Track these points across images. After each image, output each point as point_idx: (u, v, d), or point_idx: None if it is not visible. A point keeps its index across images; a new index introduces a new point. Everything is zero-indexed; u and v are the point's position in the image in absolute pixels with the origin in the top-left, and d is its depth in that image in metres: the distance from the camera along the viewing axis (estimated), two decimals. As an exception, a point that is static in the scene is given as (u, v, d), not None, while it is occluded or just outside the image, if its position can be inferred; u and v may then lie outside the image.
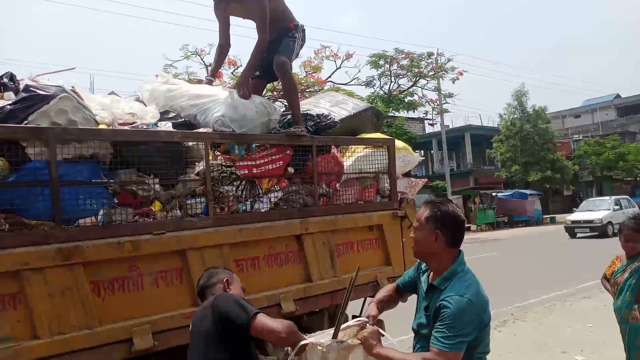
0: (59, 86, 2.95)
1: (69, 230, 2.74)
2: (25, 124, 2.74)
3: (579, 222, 21.02)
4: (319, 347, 2.21)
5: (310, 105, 4.99)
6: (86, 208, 2.83)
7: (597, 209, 21.35)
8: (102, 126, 3.15)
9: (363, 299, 4.41)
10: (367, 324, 2.37)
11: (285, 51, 4.19)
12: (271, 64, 4.14)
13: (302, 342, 2.21)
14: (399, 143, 4.82)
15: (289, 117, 4.29)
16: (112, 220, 2.90)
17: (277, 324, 2.23)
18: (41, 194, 2.69)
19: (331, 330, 2.32)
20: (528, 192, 31.25)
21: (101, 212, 2.87)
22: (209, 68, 19.95)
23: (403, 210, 4.53)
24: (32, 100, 2.79)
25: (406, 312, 2.79)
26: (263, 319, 2.24)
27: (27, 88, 2.85)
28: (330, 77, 20.87)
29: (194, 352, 2.36)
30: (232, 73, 18.93)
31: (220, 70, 7.23)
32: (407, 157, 4.90)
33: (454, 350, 2.08)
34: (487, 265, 12.55)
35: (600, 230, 20.00)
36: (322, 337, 2.29)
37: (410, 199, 4.75)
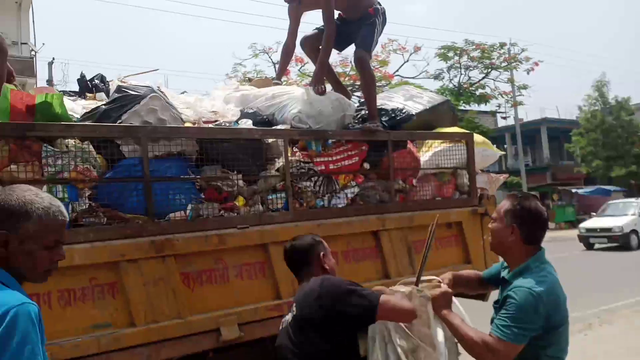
0: (148, 86, 3.10)
1: (161, 223, 2.88)
2: (119, 123, 2.90)
3: (594, 230, 17.53)
4: (401, 291, 2.32)
5: (384, 99, 4.94)
6: (175, 203, 2.96)
7: (620, 214, 17.56)
8: (187, 124, 3.28)
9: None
10: (441, 284, 2.42)
11: (364, 43, 4.17)
12: (342, 34, 4.13)
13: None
14: (477, 137, 4.67)
15: (363, 112, 4.29)
16: (199, 214, 3.02)
17: (405, 302, 2.22)
18: (135, 189, 2.84)
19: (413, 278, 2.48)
20: (611, 188, 29.35)
21: (189, 206, 2.99)
22: (276, 66, 20.42)
23: (483, 207, 4.39)
24: (124, 100, 2.95)
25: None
26: (391, 301, 2.20)
27: (119, 89, 3.02)
28: (397, 71, 20.61)
29: (297, 338, 2.26)
30: (298, 70, 19.17)
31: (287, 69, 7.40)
32: (487, 151, 4.74)
33: (512, 341, 2.04)
34: (568, 264, 11.92)
35: (621, 241, 16.52)
36: (402, 288, 2.40)
37: (491, 196, 4.59)
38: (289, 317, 2.39)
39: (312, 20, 4.43)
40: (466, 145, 4.36)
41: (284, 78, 5.48)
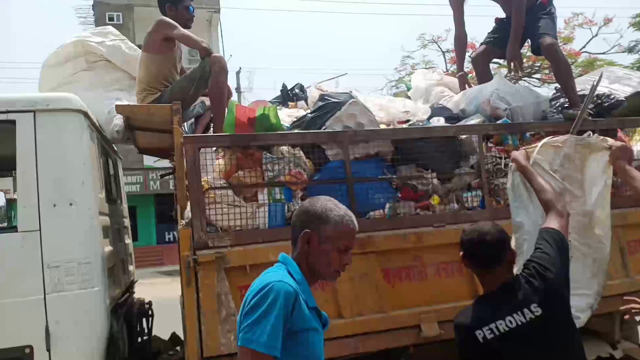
0: (346, 93, 3.29)
1: (363, 221, 3.03)
2: (323, 129, 3.13)
3: None
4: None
5: (584, 84, 4.50)
6: (375, 202, 3.10)
7: None
8: (382, 126, 3.40)
9: None
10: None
11: (548, 31, 3.89)
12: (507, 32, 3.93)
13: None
14: None
15: (561, 101, 3.97)
16: (396, 213, 3.12)
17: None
18: (339, 189, 3.04)
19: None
20: None
21: (387, 205, 3.11)
22: (446, 55, 19.95)
23: None
24: (327, 108, 3.17)
25: None
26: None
27: (322, 97, 3.26)
28: (584, 47, 18.52)
29: (551, 338, 1.94)
30: (469, 56, 18.40)
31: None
32: None
33: None
34: None
35: None
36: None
37: None
38: (516, 322, 1.95)
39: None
40: (692, 131, 3.76)
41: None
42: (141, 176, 19.20)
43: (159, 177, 17.62)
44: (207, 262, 2.73)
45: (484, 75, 4.23)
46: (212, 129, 3.73)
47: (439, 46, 20.17)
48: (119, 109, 3.20)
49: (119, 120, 3.52)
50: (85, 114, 2.87)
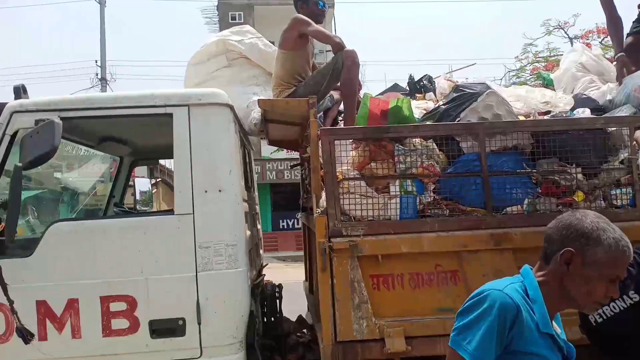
0: (483, 83, 3.19)
1: (499, 217, 2.94)
2: (457, 121, 3.06)
3: None
4: None
5: None
6: (512, 197, 2.98)
7: None
8: (520, 117, 3.25)
9: None
10: None
11: None
12: None
13: None
14: None
15: None
16: (536, 209, 2.97)
17: None
18: (474, 183, 2.97)
19: None
20: None
21: (526, 201, 2.97)
22: (573, 42, 18.38)
23: None
24: (462, 99, 3.11)
25: None
26: None
27: (456, 88, 3.19)
28: None
29: None
30: (600, 42, 16.81)
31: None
32: None
33: None
34: None
35: None
36: None
37: None
38: (618, 307, 2.05)
39: None
40: None
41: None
42: (259, 166, 20.22)
43: (289, 167, 18.44)
44: (341, 249, 2.83)
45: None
46: (341, 121, 3.83)
47: (565, 32, 18.71)
48: (261, 102, 3.40)
49: (256, 113, 3.74)
50: (232, 108, 3.09)
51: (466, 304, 1.46)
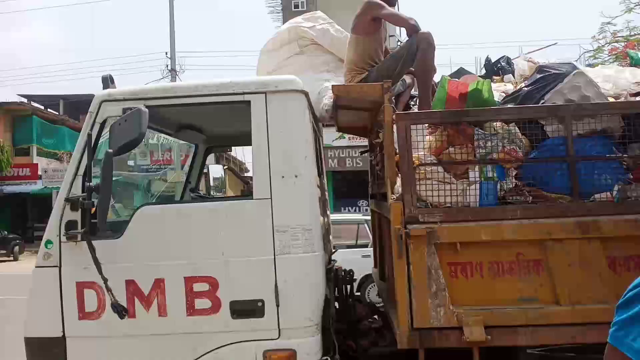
0: (569, 63, 3.03)
1: (586, 204, 2.80)
2: (542, 104, 2.93)
3: None
4: None
5: None
6: (601, 183, 2.83)
7: None
8: (610, 99, 3.06)
9: None
10: None
11: None
12: None
13: None
14: None
15: None
16: (627, 196, 2.80)
17: None
18: (559, 169, 2.84)
19: None
20: None
21: (616, 187, 2.81)
22: (660, 16, 16.99)
23: None
24: (546, 80, 2.96)
25: None
26: None
27: (540, 69, 3.05)
28: None
29: None
30: (693, 17, 15.42)
31: None
32: None
33: None
34: None
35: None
36: None
37: None
38: None
39: None
40: None
41: None
42: (321, 154, 20.30)
43: (359, 154, 18.47)
44: (418, 236, 2.79)
45: None
46: (414, 106, 3.76)
47: (649, 8, 17.30)
48: (335, 88, 3.40)
49: (328, 99, 3.75)
50: (307, 95, 3.11)
51: (628, 295, 1.26)
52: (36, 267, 2.99)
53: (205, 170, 5.07)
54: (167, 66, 20.21)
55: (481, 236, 2.81)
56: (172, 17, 20.02)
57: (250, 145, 3.02)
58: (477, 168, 2.88)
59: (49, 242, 2.94)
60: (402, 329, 2.82)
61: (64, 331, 2.90)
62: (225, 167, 18.23)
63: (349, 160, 21.63)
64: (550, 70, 2.98)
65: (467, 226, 2.81)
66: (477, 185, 2.86)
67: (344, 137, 20.94)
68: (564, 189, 2.83)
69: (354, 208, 22.25)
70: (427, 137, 3.02)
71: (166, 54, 20.37)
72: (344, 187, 21.71)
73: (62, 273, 2.91)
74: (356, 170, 21.80)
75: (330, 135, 17.79)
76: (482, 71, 4.31)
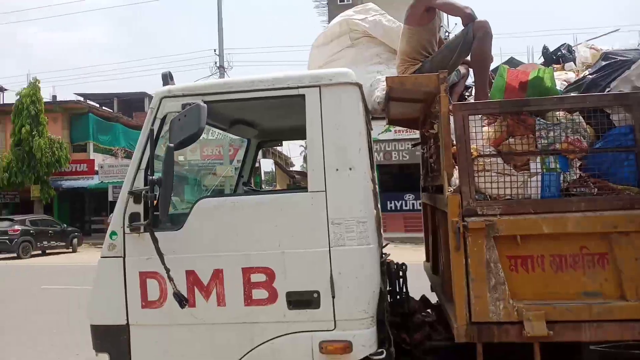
0: (636, 49, 2.89)
1: (657, 197, 2.67)
2: (607, 92, 2.81)
3: None
4: None
5: None
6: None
7: None
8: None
9: None
10: None
11: None
12: None
13: None
14: None
15: None
16: (702, 187, 2.65)
17: None
18: (626, 159, 2.73)
19: None
20: None
21: (689, 178, 2.66)
22: None
23: None
24: (612, 67, 2.84)
25: None
26: None
27: (606, 56, 2.92)
28: None
29: None
30: None
31: None
32: None
33: None
34: None
35: None
36: None
37: None
38: None
39: None
40: None
41: None
42: (366, 148, 20.19)
43: (409, 147, 18.32)
44: (476, 229, 2.74)
45: None
46: (469, 97, 3.69)
47: None
48: (389, 79, 3.37)
49: (380, 92, 3.73)
50: (360, 87, 3.10)
51: None
52: (101, 257, 3.13)
53: (256, 165, 5.14)
54: (215, 63, 20.62)
55: (542, 229, 2.73)
56: (220, 15, 20.40)
57: (301, 139, 3.05)
58: (538, 159, 2.79)
59: (113, 233, 3.07)
60: (460, 322, 2.78)
61: (127, 319, 3.02)
62: (273, 162, 18.47)
63: (395, 153, 21.47)
64: (616, 57, 2.85)
65: (528, 218, 2.74)
66: (539, 177, 2.77)
67: (390, 131, 20.86)
68: (631, 180, 2.71)
69: (400, 202, 22.08)
70: (485, 128, 2.95)
71: (214, 51, 20.80)
72: (390, 181, 21.58)
73: (126, 263, 3.03)
74: (402, 164, 21.63)
75: (376, 129, 17.60)
76: (534, 60, 4.18)
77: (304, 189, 3.05)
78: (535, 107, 2.82)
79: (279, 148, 20.62)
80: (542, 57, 3.85)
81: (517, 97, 2.91)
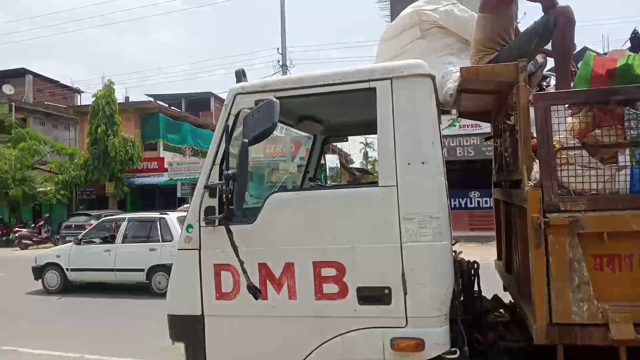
0: None
1: None
2: None
3: None
4: None
5: None
6: None
7: None
8: None
9: None
10: None
11: None
12: None
13: None
14: None
15: None
16: None
17: None
18: None
19: None
20: None
21: None
22: None
23: None
24: None
25: None
26: None
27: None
28: None
29: None
30: None
31: None
32: None
33: None
34: None
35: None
36: None
37: None
38: None
39: None
40: None
41: None
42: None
43: (483, 141, 17.82)
44: (559, 225, 2.61)
45: None
46: (547, 87, 3.51)
47: None
48: (464, 70, 3.26)
49: (452, 83, 3.61)
50: (433, 78, 3.02)
51: None
52: (178, 249, 3.24)
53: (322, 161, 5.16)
54: (278, 61, 20.91)
55: (632, 226, 2.55)
56: (282, 14, 20.65)
57: (367, 134, 3.01)
58: (627, 151, 2.61)
59: (189, 226, 3.17)
60: (539, 323, 2.66)
61: (202, 310, 3.11)
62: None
63: (459, 149, 20.87)
64: None
65: (615, 215, 2.57)
66: (628, 171, 2.59)
67: (455, 126, 20.31)
68: None
69: (464, 200, 21.48)
70: (569, 119, 2.79)
71: (277, 49, 21.10)
72: (454, 178, 21.00)
73: (202, 255, 3.12)
74: (468, 160, 20.99)
75: (439, 124, 17.19)
76: (609, 49, 3.91)
77: (374, 183, 3.02)
78: (624, 95, 2.63)
79: (338, 145, 20.63)
80: (628, 42, 3.60)
81: (604, 85, 2.73)
